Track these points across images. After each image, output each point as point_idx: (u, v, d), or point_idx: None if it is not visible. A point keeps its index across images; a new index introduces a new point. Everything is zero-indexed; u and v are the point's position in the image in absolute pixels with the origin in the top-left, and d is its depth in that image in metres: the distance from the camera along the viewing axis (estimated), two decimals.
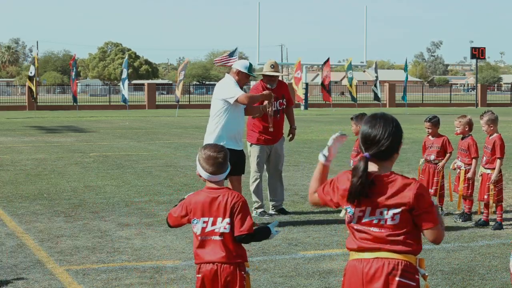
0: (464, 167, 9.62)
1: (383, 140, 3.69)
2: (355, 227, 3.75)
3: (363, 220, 3.71)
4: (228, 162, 4.50)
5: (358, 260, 3.74)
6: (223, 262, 4.35)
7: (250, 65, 9.32)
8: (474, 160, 9.57)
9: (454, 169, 9.79)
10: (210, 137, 9.02)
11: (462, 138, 9.73)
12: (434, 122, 9.85)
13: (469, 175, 9.58)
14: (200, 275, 4.40)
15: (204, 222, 4.36)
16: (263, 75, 10.16)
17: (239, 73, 9.20)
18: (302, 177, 14.01)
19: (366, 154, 3.70)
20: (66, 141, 22.91)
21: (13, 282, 6.71)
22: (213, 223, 4.36)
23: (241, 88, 9.21)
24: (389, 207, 3.66)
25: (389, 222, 3.67)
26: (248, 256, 7.59)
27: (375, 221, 3.69)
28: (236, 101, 8.97)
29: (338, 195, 3.79)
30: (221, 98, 9.06)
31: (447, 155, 9.79)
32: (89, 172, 14.68)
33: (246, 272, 4.46)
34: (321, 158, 3.97)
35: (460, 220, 9.56)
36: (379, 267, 3.67)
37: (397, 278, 3.65)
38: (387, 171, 3.71)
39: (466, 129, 9.67)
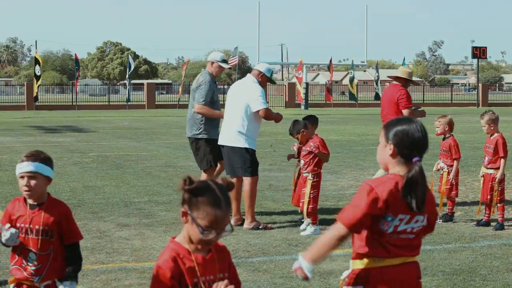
0: (447, 169, 9.54)
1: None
2: (388, 235, 3.62)
3: (399, 229, 3.62)
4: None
5: (386, 267, 3.62)
6: None
7: (272, 70, 9.50)
8: (455, 161, 9.50)
9: (438, 170, 9.71)
10: (239, 137, 9.14)
11: (444, 139, 9.66)
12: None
13: (450, 176, 9.49)
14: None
15: None
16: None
17: (262, 76, 9.31)
18: None
19: (418, 158, 3.61)
20: (65, 141, 22.86)
21: None
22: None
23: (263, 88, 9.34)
24: (425, 213, 3.66)
25: (420, 224, 3.64)
26: (248, 257, 7.62)
27: (408, 229, 3.63)
28: (257, 112, 9.12)
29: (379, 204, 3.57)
30: (246, 101, 9.14)
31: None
32: (88, 172, 14.64)
33: None
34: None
35: (441, 221, 9.40)
36: (409, 272, 3.65)
37: (420, 280, 3.72)
38: None
39: (446, 129, 9.59)
